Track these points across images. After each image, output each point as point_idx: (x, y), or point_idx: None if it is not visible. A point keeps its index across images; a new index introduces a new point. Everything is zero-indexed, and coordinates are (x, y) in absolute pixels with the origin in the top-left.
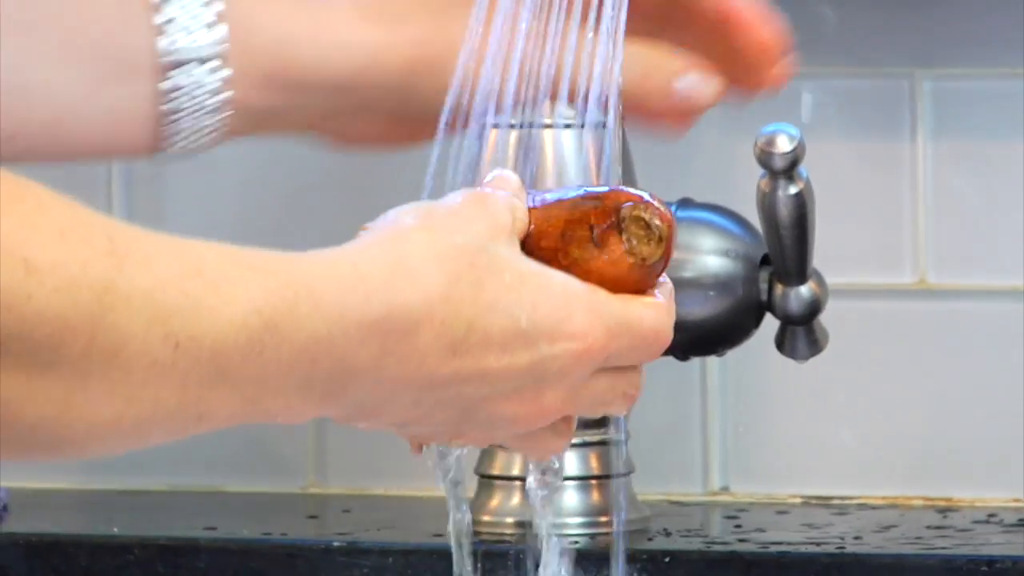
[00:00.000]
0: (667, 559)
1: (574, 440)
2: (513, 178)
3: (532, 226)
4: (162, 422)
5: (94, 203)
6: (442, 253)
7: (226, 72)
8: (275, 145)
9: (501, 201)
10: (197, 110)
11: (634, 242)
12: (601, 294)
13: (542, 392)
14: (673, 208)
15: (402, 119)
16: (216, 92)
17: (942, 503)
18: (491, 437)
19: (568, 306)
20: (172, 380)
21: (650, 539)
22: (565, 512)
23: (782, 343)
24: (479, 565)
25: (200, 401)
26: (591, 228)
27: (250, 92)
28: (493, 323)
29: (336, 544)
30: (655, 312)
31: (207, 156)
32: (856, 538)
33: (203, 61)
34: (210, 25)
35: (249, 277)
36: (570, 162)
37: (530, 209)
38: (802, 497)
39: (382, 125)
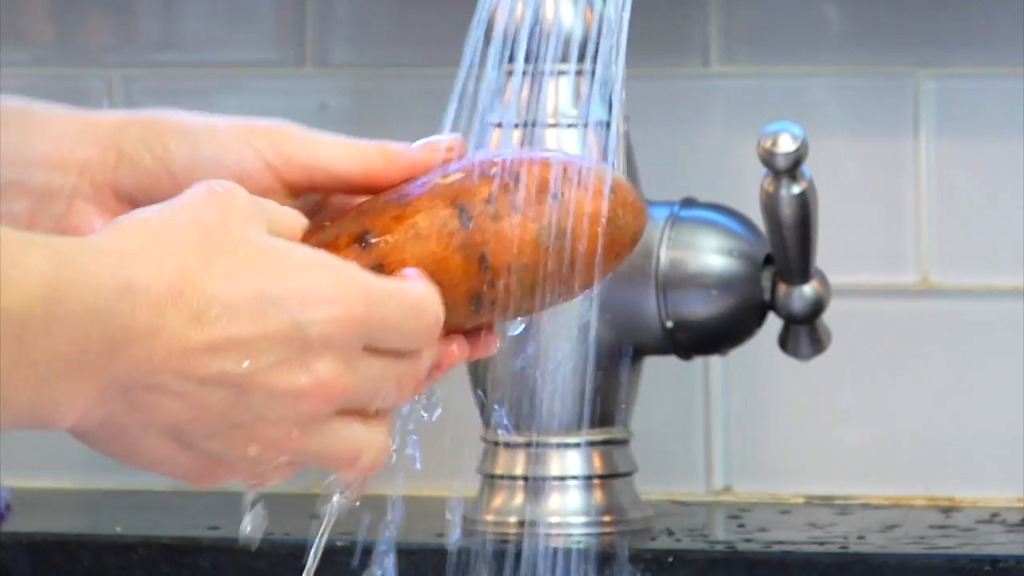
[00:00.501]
0: (670, 559)
1: (577, 440)
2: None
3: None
4: None
5: None
6: (161, 234)
7: None
8: None
9: (243, 194)
10: None
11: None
12: (355, 267)
13: (309, 362)
14: (676, 208)
15: (131, 194)
16: None
17: (945, 503)
18: (287, 436)
19: (316, 273)
20: None
21: (653, 539)
22: (568, 512)
23: (785, 342)
24: (483, 564)
25: (7, 379)
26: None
27: None
28: (234, 294)
29: (339, 544)
30: (421, 283)
31: None
32: (859, 538)
33: None
34: None
35: (36, 251)
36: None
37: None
38: (805, 497)
39: (110, 212)
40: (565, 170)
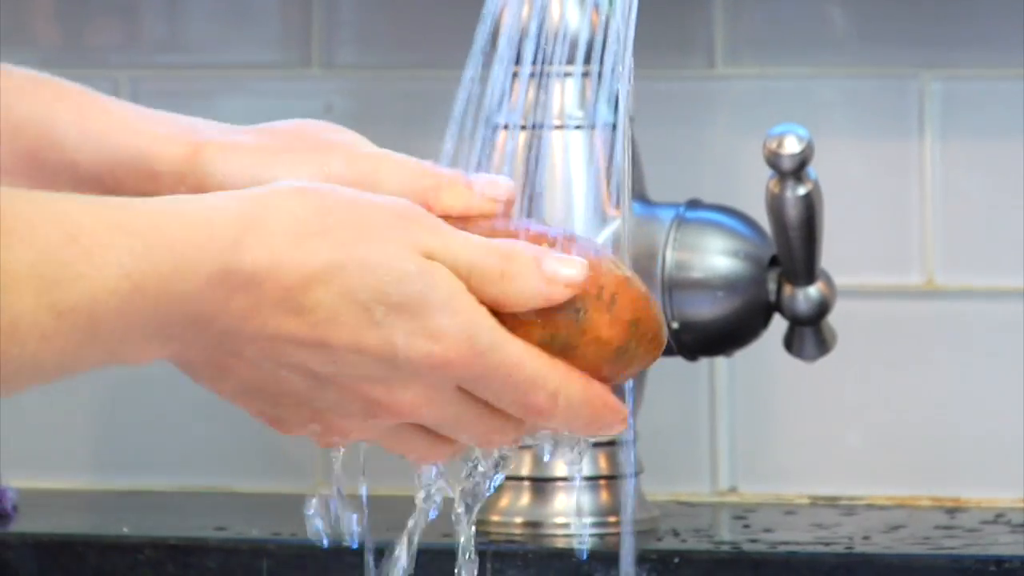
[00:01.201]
0: (676, 559)
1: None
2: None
3: None
4: (32, 378)
5: None
6: (309, 224)
7: None
8: None
9: (425, 215)
10: None
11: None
12: (485, 313)
13: (394, 386)
14: (681, 209)
15: None
16: None
17: (950, 503)
18: (351, 428)
19: (437, 311)
20: (55, 346)
21: (659, 539)
22: (574, 512)
23: (790, 343)
24: (488, 565)
25: (73, 360)
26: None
27: (9, 177)
28: (344, 308)
29: (345, 544)
30: (542, 364)
31: None
32: (864, 538)
33: None
34: None
35: (120, 240)
36: (579, 163)
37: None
38: (810, 497)
39: None
40: (600, 289)
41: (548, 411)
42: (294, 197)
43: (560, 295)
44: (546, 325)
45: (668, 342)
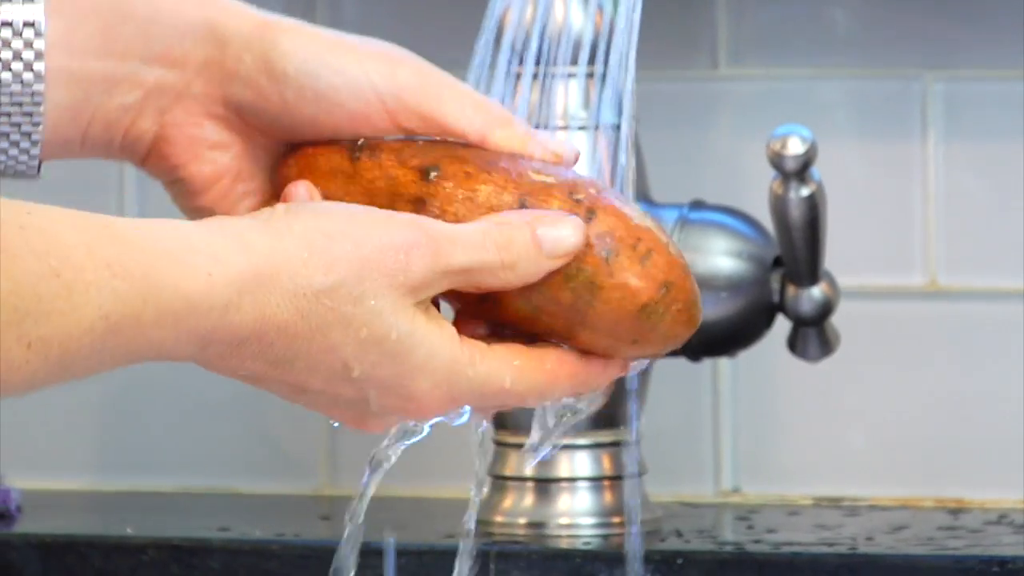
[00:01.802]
0: (679, 560)
1: (586, 441)
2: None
3: None
4: (3, 394)
5: (105, 204)
6: (300, 290)
7: (42, 43)
8: None
9: (440, 255)
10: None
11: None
12: (462, 363)
13: (364, 418)
14: (685, 210)
15: (238, 109)
16: (33, 63)
17: (953, 504)
18: (362, 424)
19: (417, 372)
20: (23, 375)
21: (662, 540)
22: (577, 513)
23: (794, 344)
24: (492, 566)
25: (41, 384)
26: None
27: (83, 57)
28: (322, 362)
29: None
30: (529, 380)
31: None
32: (868, 539)
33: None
34: None
35: (104, 281)
36: (582, 164)
37: None
38: (813, 498)
39: (215, 119)
40: (637, 240)
41: (537, 400)
42: (300, 255)
43: (564, 261)
44: (575, 258)
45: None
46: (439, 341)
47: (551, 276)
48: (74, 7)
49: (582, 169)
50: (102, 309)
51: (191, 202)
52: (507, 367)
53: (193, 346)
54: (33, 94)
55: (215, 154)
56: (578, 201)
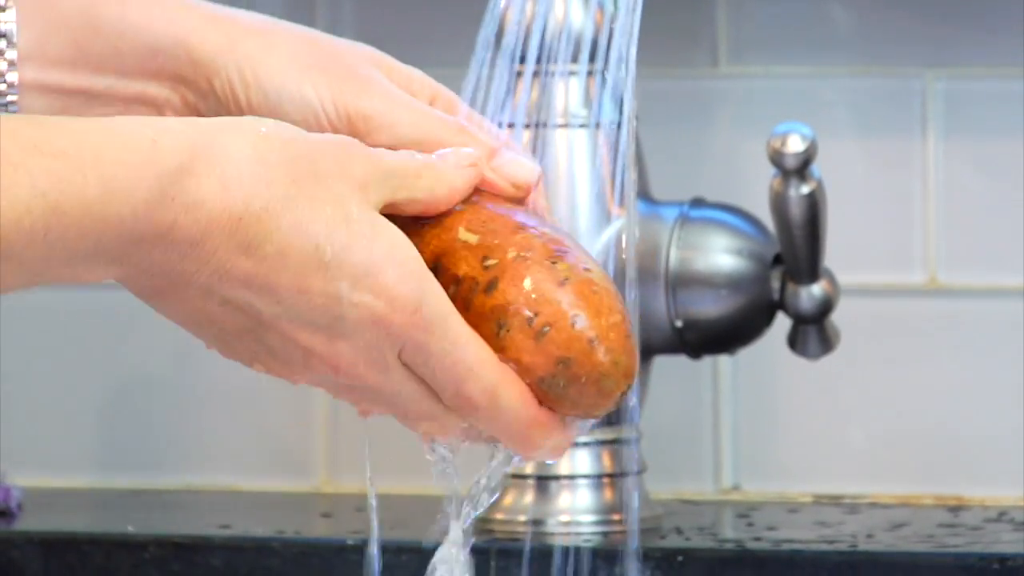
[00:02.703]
0: (680, 557)
1: (587, 439)
2: (468, 154)
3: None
4: None
5: None
6: (263, 156)
7: (14, 53)
8: None
9: (370, 157)
10: None
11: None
12: (430, 278)
13: (335, 338)
14: (685, 207)
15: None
16: (5, 73)
17: (953, 501)
18: (292, 374)
19: (385, 262)
20: None
21: (662, 537)
22: (578, 510)
23: (794, 342)
24: (492, 563)
25: None
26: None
27: (56, 70)
28: (293, 243)
29: (350, 542)
30: (481, 351)
31: None
32: (868, 536)
33: None
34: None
35: (36, 162)
36: (583, 162)
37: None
38: (813, 495)
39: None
40: (534, 315)
41: (482, 408)
42: (253, 131)
43: (473, 172)
44: (471, 325)
45: (674, 341)
46: (401, 237)
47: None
48: (44, 20)
49: (582, 169)
50: (37, 188)
51: None
52: (472, 330)
53: (156, 224)
54: (7, 104)
55: None
56: (487, 268)
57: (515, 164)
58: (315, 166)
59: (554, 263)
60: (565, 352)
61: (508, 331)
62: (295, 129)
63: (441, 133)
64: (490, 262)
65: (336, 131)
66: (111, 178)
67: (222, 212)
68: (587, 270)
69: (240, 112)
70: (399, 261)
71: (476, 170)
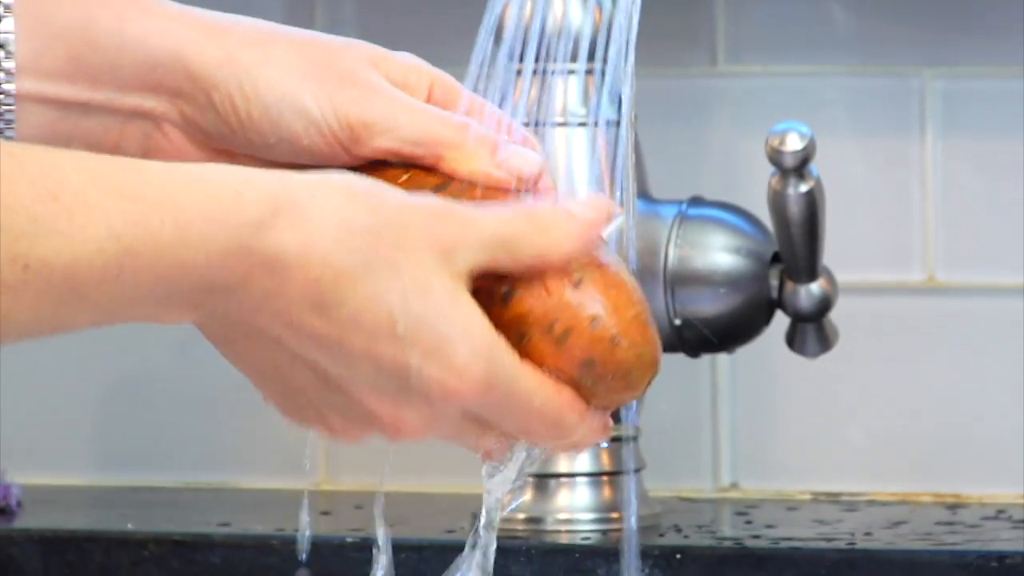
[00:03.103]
0: (678, 555)
1: None
2: (602, 203)
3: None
4: (15, 332)
5: None
6: (348, 221)
7: (12, 63)
8: None
9: (469, 223)
10: None
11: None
12: (502, 346)
13: (401, 405)
14: (683, 206)
15: (218, 139)
16: (2, 84)
17: (951, 499)
18: (352, 434)
19: (458, 338)
20: (24, 299)
21: (661, 535)
22: (576, 508)
23: (792, 340)
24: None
25: (55, 316)
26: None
27: (54, 82)
28: (368, 310)
29: (349, 540)
30: (550, 396)
31: None
32: (866, 534)
33: None
34: None
35: (111, 203)
36: (582, 161)
37: None
38: (812, 493)
39: (197, 143)
40: (552, 322)
41: (549, 437)
42: (341, 193)
43: (594, 214)
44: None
45: (672, 340)
46: (476, 312)
47: None
48: (41, 34)
49: (580, 168)
50: (111, 229)
51: None
52: (536, 375)
53: (232, 273)
54: (5, 114)
55: None
56: (499, 278)
57: (518, 157)
58: (402, 233)
59: (567, 264)
60: (588, 354)
61: (529, 340)
62: (389, 191)
63: (442, 132)
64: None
65: (338, 140)
66: (188, 224)
67: (299, 271)
68: (599, 265)
69: (240, 125)
70: (472, 336)
71: (599, 217)
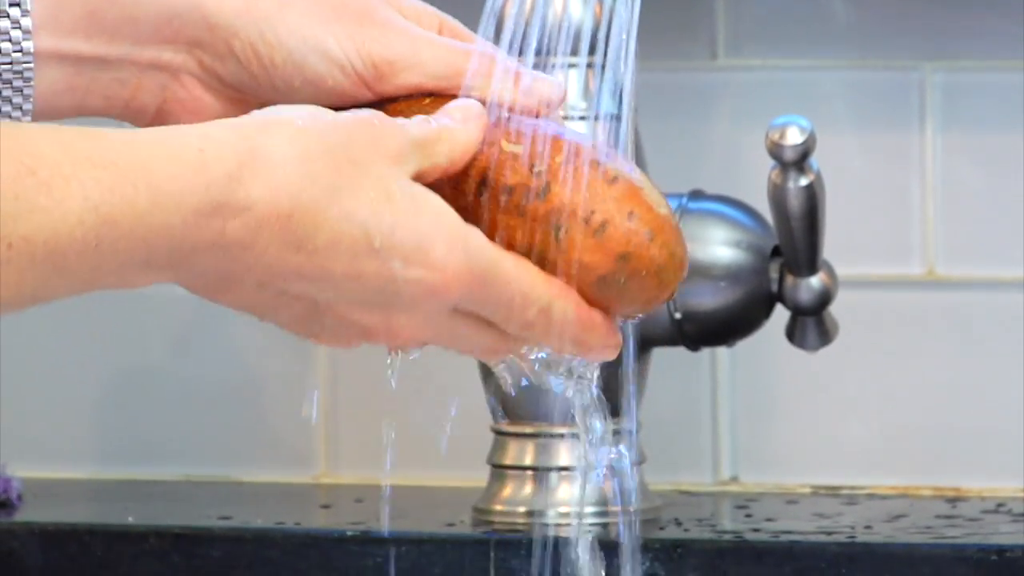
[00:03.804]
0: (678, 548)
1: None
2: (471, 106)
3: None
4: None
5: None
6: (305, 151)
7: (29, 22)
8: None
9: (398, 130)
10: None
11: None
12: (477, 234)
13: (392, 314)
14: (684, 200)
15: (237, 87)
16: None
17: (951, 493)
18: (353, 343)
19: (433, 234)
20: (8, 277)
21: (661, 528)
22: (576, 501)
23: (792, 334)
24: (492, 554)
25: (36, 290)
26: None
27: (71, 38)
28: (343, 231)
29: (349, 533)
30: (536, 279)
31: None
32: (866, 527)
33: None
34: None
35: (85, 172)
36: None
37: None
38: (812, 487)
39: (215, 93)
40: (591, 213)
41: (540, 326)
42: (291, 126)
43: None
44: (526, 233)
45: (673, 333)
46: (442, 207)
47: (512, 241)
48: None
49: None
50: (88, 200)
51: None
52: (516, 260)
53: (207, 230)
54: (23, 71)
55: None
56: (537, 174)
57: (542, 82)
58: (352, 151)
59: (603, 165)
60: (624, 247)
61: (567, 232)
62: (327, 114)
63: (464, 64)
64: (539, 168)
65: (363, 79)
66: (160, 189)
67: (271, 214)
68: (632, 169)
69: (263, 71)
70: (445, 230)
71: (484, 119)
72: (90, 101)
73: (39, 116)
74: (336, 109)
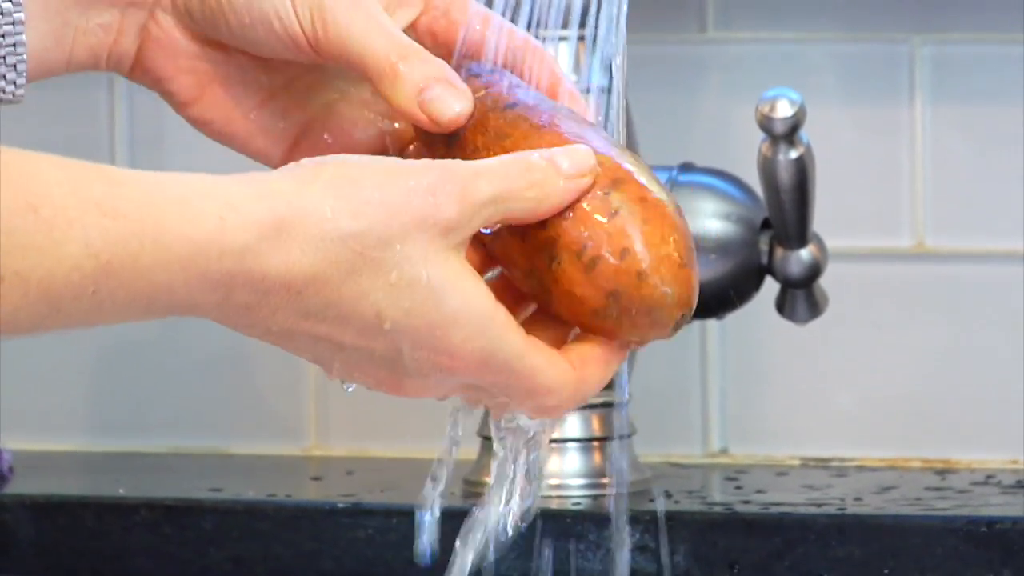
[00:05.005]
0: (669, 521)
1: None
2: (585, 160)
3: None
4: None
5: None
6: (328, 235)
7: None
8: None
9: (466, 195)
10: None
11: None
12: (502, 323)
13: (400, 379)
14: (674, 172)
15: (202, 22)
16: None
17: (940, 465)
18: (363, 382)
19: (451, 322)
20: (3, 309)
21: (651, 500)
22: (567, 474)
23: (782, 306)
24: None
25: (31, 324)
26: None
27: None
28: (354, 311)
29: (340, 505)
30: (557, 373)
31: None
32: (856, 499)
33: None
34: None
35: (91, 219)
36: None
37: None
38: (801, 459)
39: (187, 32)
40: (582, 248)
41: (553, 412)
42: (325, 200)
43: (581, 179)
44: (527, 258)
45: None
46: (473, 291)
47: (514, 267)
48: None
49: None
50: (90, 247)
51: (190, 114)
52: (542, 353)
53: (212, 293)
54: (15, 23)
55: (196, 63)
56: None
57: (441, 102)
58: (389, 232)
59: (607, 193)
60: (613, 285)
61: (559, 264)
62: (376, 181)
63: (379, 57)
64: None
65: (305, 35)
66: (168, 251)
67: (281, 286)
68: (643, 199)
69: (216, 18)
70: (467, 317)
71: (587, 180)
72: (77, 53)
73: (31, 79)
74: (315, 82)
